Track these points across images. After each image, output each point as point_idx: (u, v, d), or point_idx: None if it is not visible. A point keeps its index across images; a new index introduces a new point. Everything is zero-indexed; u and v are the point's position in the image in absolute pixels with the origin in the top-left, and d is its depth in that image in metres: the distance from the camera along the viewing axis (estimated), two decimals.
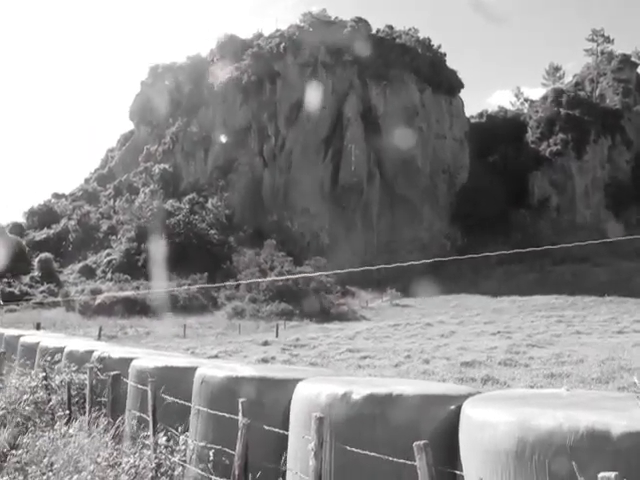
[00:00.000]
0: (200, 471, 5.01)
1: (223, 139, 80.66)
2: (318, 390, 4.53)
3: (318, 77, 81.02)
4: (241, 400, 4.54)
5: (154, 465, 5.13)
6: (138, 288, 54.74)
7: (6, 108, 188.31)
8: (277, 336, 31.37)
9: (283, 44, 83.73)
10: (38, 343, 11.40)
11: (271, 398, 5.08)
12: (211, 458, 4.96)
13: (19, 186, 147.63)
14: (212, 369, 5.77)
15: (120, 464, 5.27)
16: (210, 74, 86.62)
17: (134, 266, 62.95)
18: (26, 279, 61.32)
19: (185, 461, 5.31)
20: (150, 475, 5.03)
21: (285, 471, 4.62)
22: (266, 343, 26.83)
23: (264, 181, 78.65)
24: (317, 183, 76.54)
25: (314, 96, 76.11)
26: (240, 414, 4.47)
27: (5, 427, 7.19)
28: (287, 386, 5.03)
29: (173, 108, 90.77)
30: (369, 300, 59.23)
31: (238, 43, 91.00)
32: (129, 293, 46.19)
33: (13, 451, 6.48)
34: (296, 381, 5.00)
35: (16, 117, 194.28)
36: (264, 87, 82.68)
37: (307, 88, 77.43)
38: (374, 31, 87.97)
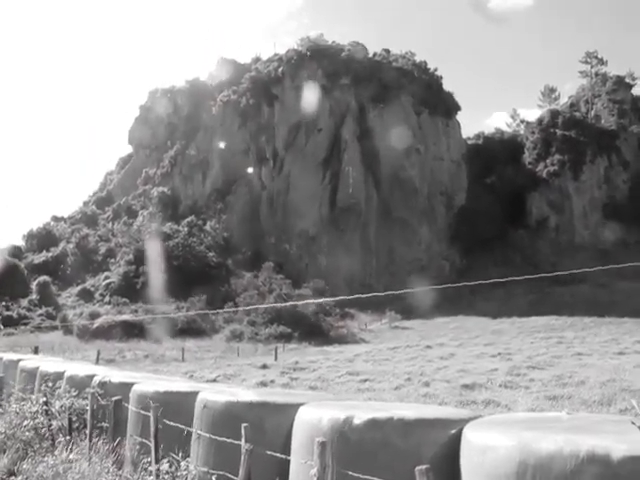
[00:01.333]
0: None
1: (222, 145, 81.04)
2: (320, 415, 4.54)
3: (315, 100, 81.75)
4: (244, 425, 4.55)
5: None
6: (136, 311, 54.56)
7: (6, 131, 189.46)
8: (276, 359, 31.19)
9: (281, 68, 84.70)
10: (37, 368, 11.34)
11: (273, 423, 5.08)
12: None
13: (18, 209, 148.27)
14: (213, 394, 5.77)
15: None
16: (208, 98, 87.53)
17: (132, 289, 62.79)
18: (24, 302, 61.07)
19: None
20: None
21: None
22: (265, 366, 26.65)
23: (262, 203, 78.95)
24: (315, 205, 76.78)
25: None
26: (243, 439, 4.48)
27: (5, 453, 7.16)
28: (288, 411, 5.03)
29: (171, 131, 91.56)
30: (368, 322, 59.03)
31: (237, 67, 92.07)
32: (127, 317, 46.01)
33: (12, 477, 6.45)
34: (297, 406, 5.00)
35: (15, 140, 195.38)
36: (262, 110, 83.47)
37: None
38: (371, 54, 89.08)
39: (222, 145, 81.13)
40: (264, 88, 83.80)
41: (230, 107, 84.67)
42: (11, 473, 6.56)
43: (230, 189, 79.86)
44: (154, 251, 63.65)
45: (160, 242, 66.39)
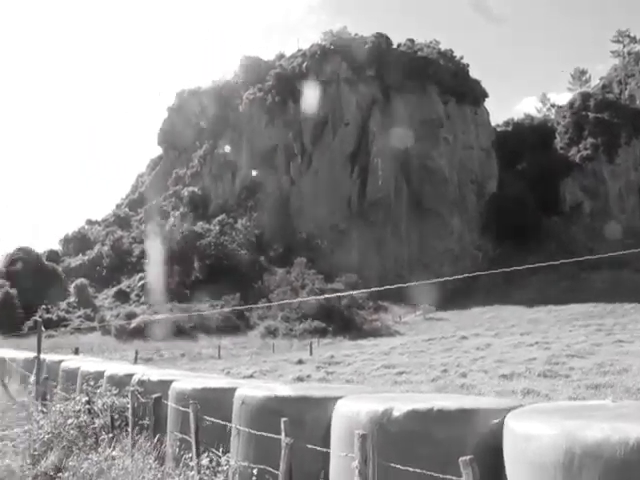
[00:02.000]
0: None
1: (227, 149, 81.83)
2: (358, 407, 4.51)
3: (341, 94, 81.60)
4: (283, 420, 4.55)
5: None
6: (171, 310, 55.33)
7: (40, 138, 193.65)
8: (311, 354, 31.30)
9: (305, 63, 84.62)
10: (79, 368, 11.58)
11: (311, 417, 5.07)
12: (254, 478, 4.97)
13: (54, 214, 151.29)
14: (251, 389, 5.80)
15: None
16: (235, 97, 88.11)
17: (167, 288, 63.63)
18: (63, 305, 62.51)
19: None
20: None
21: None
22: (301, 361, 26.76)
23: (292, 200, 79.12)
24: (345, 199, 76.65)
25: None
26: (283, 434, 4.48)
27: (52, 450, 7.34)
28: (327, 404, 5.01)
29: (200, 131, 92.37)
30: (402, 315, 58.82)
31: (261, 64, 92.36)
32: (163, 316, 46.69)
33: (60, 474, 6.61)
34: (335, 399, 4.98)
35: (49, 146, 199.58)
36: (288, 106, 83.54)
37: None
38: (395, 45, 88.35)
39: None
40: (289, 84, 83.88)
41: (256, 105, 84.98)
42: (58, 469, 6.74)
43: (260, 186, 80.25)
44: (187, 251, 64.36)
45: (192, 242, 67.14)
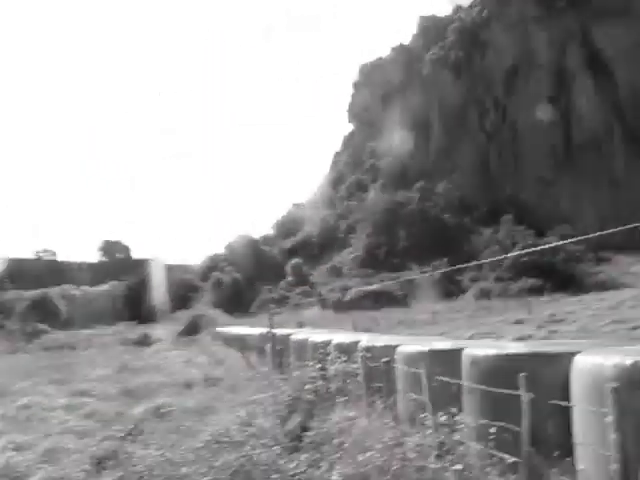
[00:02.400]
0: (483, 448, 5.03)
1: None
2: (601, 362, 4.29)
3: (530, 35, 75.77)
4: (522, 375, 4.45)
5: (437, 443, 5.30)
6: (382, 280, 56.83)
7: (246, 137, 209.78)
8: (530, 313, 29.96)
9: (485, 10, 79.97)
10: (307, 339, 12.55)
11: (546, 373, 4.97)
12: (492, 435, 4.95)
13: (264, 200, 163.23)
14: (481, 349, 5.76)
15: (404, 443, 5.54)
16: (417, 60, 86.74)
17: (376, 260, 65.53)
18: (282, 284, 67.75)
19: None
20: (435, 453, 5.21)
21: (571, 444, 4.45)
22: (519, 321, 25.85)
23: (490, 156, 76.00)
24: (548, 148, 71.46)
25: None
26: (523, 389, 4.39)
27: (294, 412, 8.07)
28: (561, 360, 4.89)
29: (387, 101, 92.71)
30: (630, 265, 53.40)
31: (438, 22, 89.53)
32: (375, 287, 48.16)
33: (305, 433, 7.24)
34: (571, 354, 4.83)
35: (251, 141, 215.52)
36: (474, 60, 79.92)
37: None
38: None
39: (437, 105, 80.00)
40: (471, 37, 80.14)
41: (440, 64, 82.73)
42: (304, 429, 7.39)
43: (455, 146, 78.31)
44: (391, 221, 65.49)
45: (395, 211, 68.14)
